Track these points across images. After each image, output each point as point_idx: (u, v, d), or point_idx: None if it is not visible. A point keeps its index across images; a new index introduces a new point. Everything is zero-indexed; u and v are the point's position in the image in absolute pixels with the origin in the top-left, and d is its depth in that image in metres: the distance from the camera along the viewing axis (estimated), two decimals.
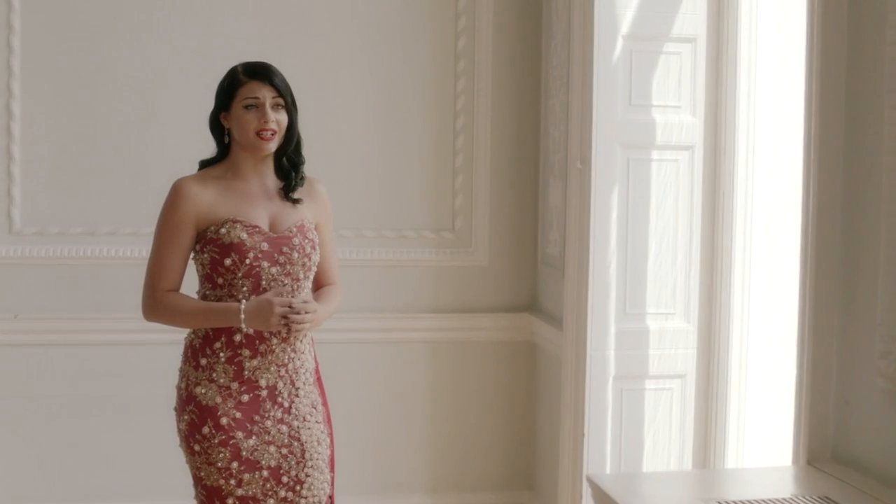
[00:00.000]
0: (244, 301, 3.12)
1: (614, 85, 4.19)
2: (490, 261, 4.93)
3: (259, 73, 3.20)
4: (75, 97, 4.64)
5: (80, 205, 4.66)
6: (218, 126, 3.25)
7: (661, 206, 4.25)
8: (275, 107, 3.18)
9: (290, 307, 3.10)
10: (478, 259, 4.92)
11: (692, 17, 4.22)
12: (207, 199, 3.18)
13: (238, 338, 3.16)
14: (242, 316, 3.10)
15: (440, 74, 4.87)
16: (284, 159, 3.27)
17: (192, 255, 3.23)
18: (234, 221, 3.17)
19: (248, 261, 3.14)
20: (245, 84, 3.18)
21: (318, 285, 3.40)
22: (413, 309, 4.87)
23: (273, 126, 3.18)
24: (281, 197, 3.28)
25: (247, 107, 3.18)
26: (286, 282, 3.19)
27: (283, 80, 3.22)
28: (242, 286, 3.15)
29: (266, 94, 3.18)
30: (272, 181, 3.29)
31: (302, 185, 3.32)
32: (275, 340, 3.18)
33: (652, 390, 4.25)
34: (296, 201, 3.28)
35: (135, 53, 4.66)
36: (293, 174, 3.28)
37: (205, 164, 3.31)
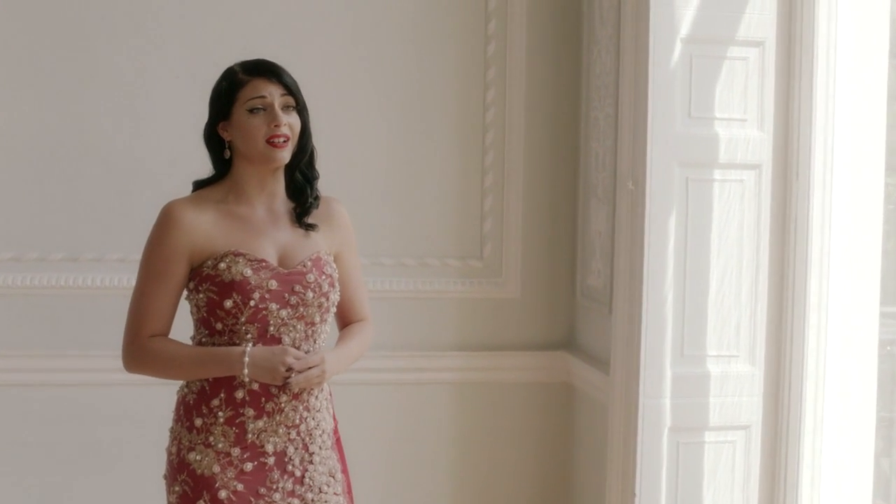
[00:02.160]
0: (250, 345, 2.61)
1: (671, 94, 3.73)
2: (522, 293, 4.52)
3: (263, 69, 2.73)
4: (56, 106, 4.22)
5: (61, 227, 4.23)
6: (215, 140, 2.76)
7: (724, 233, 3.79)
8: (285, 108, 2.71)
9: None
10: (509, 291, 4.51)
11: (760, 18, 3.76)
12: (204, 227, 2.69)
13: (240, 394, 2.66)
14: (246, 360, 2.61)
15: (467, 83, 4.45)
16: (298, 173, 2.79)
17: (184, 294, 2.75)
18: (237, 254, 2.67)
19: (253, 302, 2.65)
20: (247, 83, 2.70)
21: (345, 322, 2.93)
22: (436, 346, 4.46)
23: (286, 130, 2.70)
24: (293, 222, 2.79)
25: (252, 110, 2.70)
26: (299, 327, 2.71)
27: (292, 78, 2.75)
28: (246, 333, 2.66)
29: (274, 93, 2.71)
30: (282, 203, 2.81)
31: (317, 207, 2.83)
32: (284, 397, 2.68)
33: (712, 443, 3.83)
34: (310, 227, 2.79)
35: (124, 58, 4.25)
36: (308, 191, 2.80)
37: (200, 186, 2.81)
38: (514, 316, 4.51)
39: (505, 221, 4.47)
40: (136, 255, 2.82)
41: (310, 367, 2.65)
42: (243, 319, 2.64)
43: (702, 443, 3.80)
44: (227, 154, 2.74)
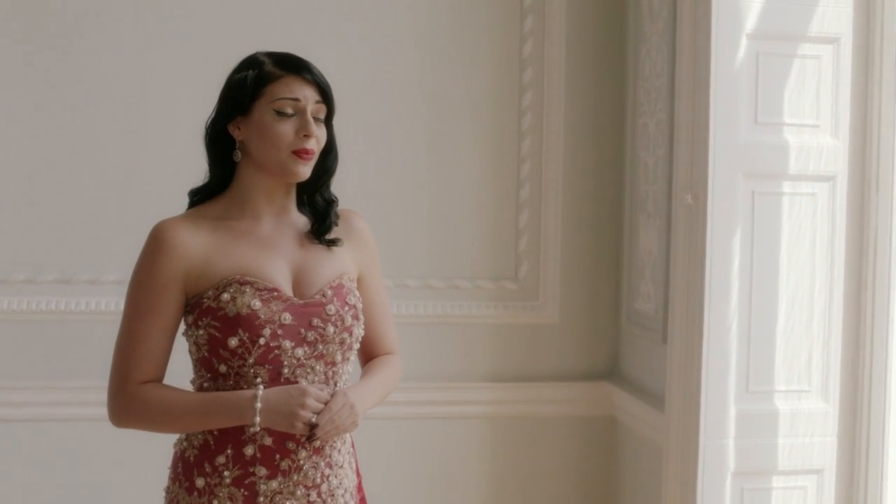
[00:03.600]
0: (261, 388, 2.23)
1: (736, 98, 3.37)
2: (562, 317, 4.20)
3: (299, 65, 2.34)
4: (46, 113, 3.88)
5: (52, 245, 3.91)
6: (222, 140, 2.35)
7: (794, 253, 3.45)
8: (314, 117, 2.34)
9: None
10: (546, 315, 4.19)
11: (835, 11, 3.43)
12: (201, 250, 2.30)
13: (250, 450, 2.26)
14: (258, 406, 2.21)
15: (501, 86, 4.11)
16: (319, 197, 2.43)
17: (181, 329, 2.35)
18: (242, 282, 2.28)
19: (263, 340, 2.26)
20: (279, 79, 2.31)
21: (369, 357, 2.54)
22: (466, 377, 4.14)
23: (314, 144, 2.33)
24: (308, 239, 2.40)
25: (280, 112, 2.30)
26: (318, 368, 2.31)
27: (328, 83, 2.37)
28: (255, 376, 2.26)
29: (309, 97, 2.33)
30: (295, 219, 2.42)
31: (336, 224, 2.45)
32: (303, 453, 2.28)
33: (781, 489, 3.50)
34: (332, 243, 2.40)
35: (121, 60, 3.92)
36: (331, 216, 2.43)
37: (198, 195, 2.41)
38: (553, 343, 4.21)
39: (542, 239, 4.16)
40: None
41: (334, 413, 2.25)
42: (252, 360, 2.25)
43: (769, 489, 3.49)
44: (238, 156, 2.34)
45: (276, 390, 2.23)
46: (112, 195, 3.91)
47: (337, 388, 2.31)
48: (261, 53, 2.36)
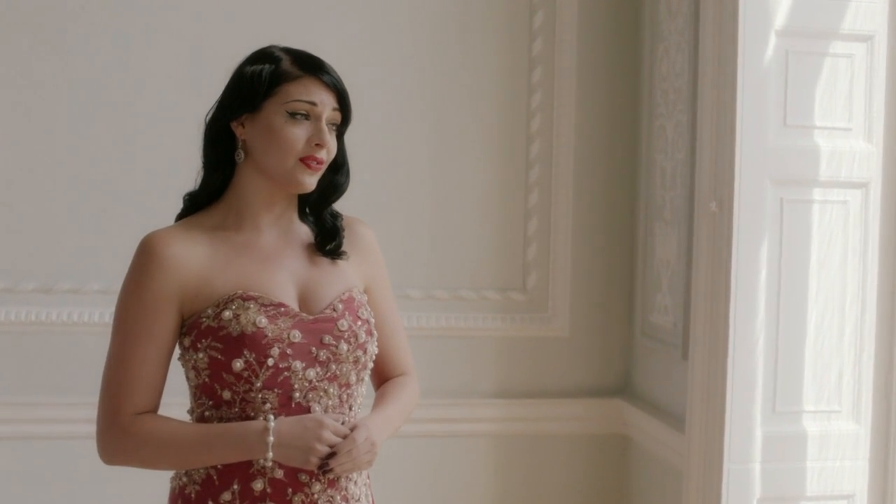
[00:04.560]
0: (272, 419, 2.02)
1: (764, 99, 3.19)
2: (572, 330, 4.03)
3: (319, 67, 2.14)
4: (26, 113, 3.70)
5: (32, 253, 3.72)
6: (224, 138, 2.14)
7: (825, 264, 3.27)
8: (329, 125, 2.14)
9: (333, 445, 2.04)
10: (556, 328, 4.02)
11: (869, 6, 3.25)
12: (198, 265, 2.09)
13: (259, 485, 2.05)
14: (270, 440, 2.00)
15: (509, 86, 3.93)
16: (328, 215, 2.24)
17: (176, 353, 2.14)
18: (245, 298, 2.07)
19: (271, 361, 2.04)
20: (297, 79, 2.11)
21: (382, 379, 2.34)
22: (472, 393, 3.98)
23: (325, 155, 2.14)
24: (312, 250, 2.20)
25: (294, 115, 2.10)
26: (331, 391, 2.11)
27: (346, 88, 2.18)
28: (264, 402, 2.05)
29: (326, 103, 2.13)
30: (297, 230, 2.22)
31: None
32: (317, 486, 2.07)
33: None
34: (338, 255, 2.21)
35: (106, 59, 3.72)
36: (339, 228, 2.23)
37: (193, 201, 2.20)
38: (562, 357, 4.05)
39: (552, 247, 3.98)
40: (120, 286, 2.21)
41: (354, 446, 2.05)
42: (259, 385, 2.04)
43: None
44: (241, 157, 2.13)
45: (289, 422, 2.02)
46: (96, 199, 3.72)
47: (354, 418, 2.12)
48: (276, 48, 2.16)
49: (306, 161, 2.09)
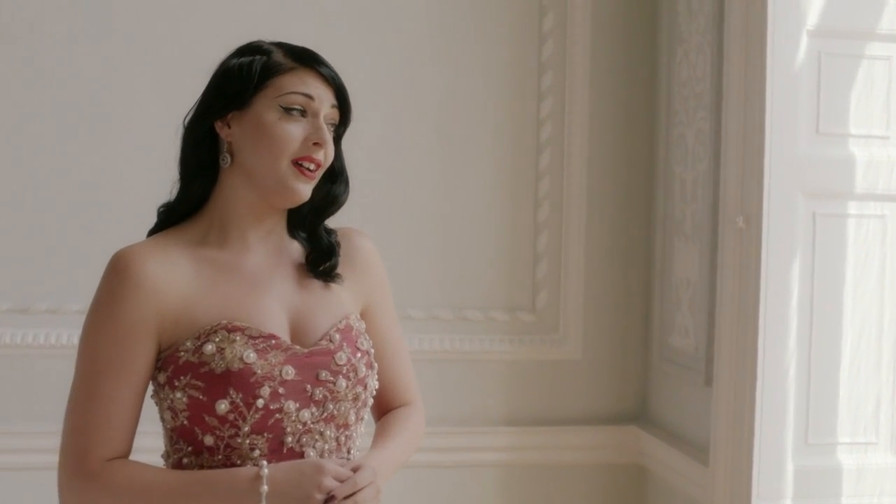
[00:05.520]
0: (265, 465, 1.79)
1: (795, 104, 3.01)
2: (585, 353, 3.84)
3: (315, 59, 1.93)
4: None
5: (6, 271, 3.54)
6: (206, 141, 1.92)
7: (861, 283, 3.10)
8: (326, 125, 1.93)
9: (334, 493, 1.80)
10: (567, 350, 3.83)
11: None
12: (179, 288, 1.85)
13: None
14: (264, 489, 1.77)
15: (517, 92, 3.74)
16: (323, 231, 2.01)
17: (149, 392, 1.90)
18: (231, 329, 1.83)
19: (261, 402, 1.81)
20: (291, 71, 1.90)
21: (384, 409, 2.10)
22: (479, 420, 3.79)
23: (321, 156, 1.91)
24: (301, 270, 1.97)
25: (289, 110, 1.88)
26: (328, 433, 1.88)
27: (344, 84, 1.96)
28: (252, 448, 1.82)
29: (324, 98, 1.92)
30: (288, 247, 1.98)
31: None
32: None
33: None
34: (332, 278, 1.97)
35: (83, 64, 3.53)
36: (335, 254, 2.00)
37: (169, 215, 1.96)
38: (575, 382, 3.86)
39: (563, 265, 3.80)
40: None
41: (357, 490, 1.82)
42: (247, 429, 1.80)
43: None
44: (227, 161, 1.90)
45: (284, 468, 1.79)
46: (76, 213, 3.54)
47: (356, 460, 1.89)
48: (265, 41, 1.95)
49: (301, 163, 1.86)
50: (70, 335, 3.47)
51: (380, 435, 2.02)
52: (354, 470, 1.81)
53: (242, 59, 1.89)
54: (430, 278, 3.72)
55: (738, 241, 3.04)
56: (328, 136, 1.88)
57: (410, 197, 3.69)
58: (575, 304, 3.78)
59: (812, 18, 2.97)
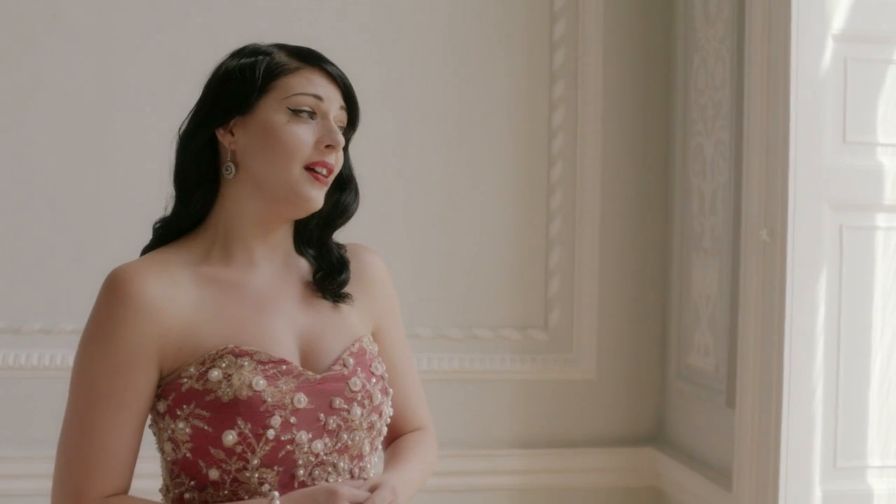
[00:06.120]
0: (277, 496, 1.66)
1: (820, 112, 2.88)
2: (599, 373, 3.70)
3: (320, 58, 1.82)
4: None
5: None
6: (206, 151, 1.79)
7: (891, 298, 2.97)
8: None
9: None
10: (581, 370, 3.69)
11: None
12: (182, 309, 1.72)
13: None
14: None
15: (528, 102, 3.61)
16: (334, 247, 1.90)
17: (148, 420, 1.77)
18: (239, 353, 1.70)
19: (272, 433, 1.68)
20: (297, 71, 1.79)
21: (393, 436, 1.97)
22: (489, 443, 3.65)
23: (334, 160, 1.80)
24: (312, 294, 1.83)
25: (297, 111, 1.77)
26: (341, 465, 1.75)
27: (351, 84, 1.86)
28: (261, 482, 1.69)
29: (332, 99, 1.81)
30: (296, 263, 1.86)
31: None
32: None
33: None
34: (341, 297, 1.85)
35: (79, 74, 3.41)
36: (345, 262, 1.88)
37: (167, 230, 1.83)
38: (589, 402, 3.73)
39: (577, 281, 3.66)
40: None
41: None
42: (256, 462, 1.67)
43: None
44: (230, 171, 1.77)
45: (297, 496, 1.66)
46: (70, 229, 3.41)
47: (374, 479, 1.76)
48: (262, 44, 1.83)
49: (314, 167, 1.74)
50: (64, 356, 3.37)
51: (394, 458, 1.89)
52: (372, 489, 1.69)
53: (243, 61, 1.77)
54: (438, 295, 3.59)
55: (761, 255, 2.91)
56: (342, 139, 1.76)
57: (418, 211, 3.57)
58: (589, 321, 3.65)
59: (837, 22, 2.85)
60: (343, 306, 1.84)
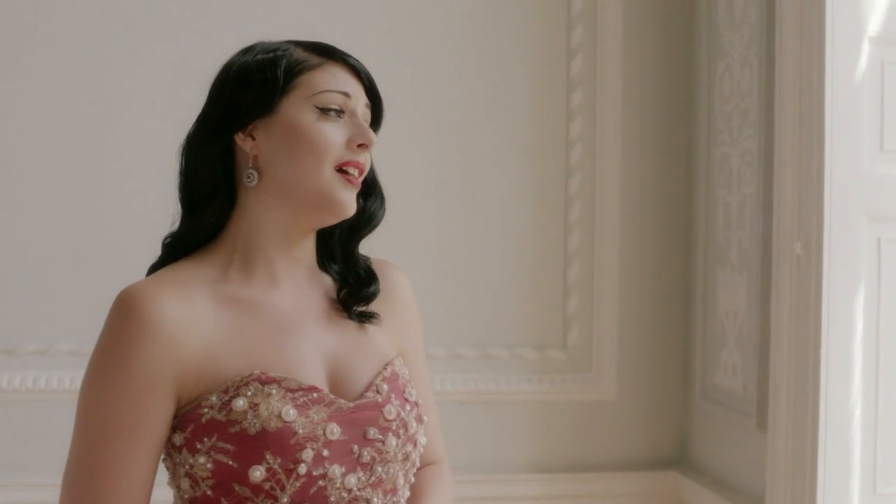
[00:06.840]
0: None
1: (857, 119, 2.73)
2: (619, 393, 3.54)
3: (342, 53, 1.70)
4: None
5: None
6: (223, 158, 1.65)
7: None
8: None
9: None
10: (601, 391, 3.53)
11: None
12: (202, 332, 1.57)
13: None
14: None
15: (544, 112, 3.45)
16: (361, 261, 1.78)
17: (163, 454, 1.61)
18: (266, 381, 1.55)
19: (303, 468, 1.53)
20: (320, 67, 1.66)
21: None
22: (506, 467, 3.48)
23: (366, 160, 1.67)
24: (336, 313, 1.69)
25: (324, 109, 1.63)
26: (375, 500, 1.60)
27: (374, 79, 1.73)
28: None
29: (359, 95, 1.68)
30: (321, 279, 1.72)
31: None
32: None
33: None
34: (367, 317, 1.71)
35: (77, 81, 3.26)
36: (373, 276, 1.75)
37: (176, 248, 1.67)
38: (609, 424, 3.57)
39: (596, 297, 3.50)
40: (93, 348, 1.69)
41: None
42: (286, 500, 1.52)
43: None
44: (253, 179, 1.62)
45: None
46: (67, 245, 3.25)
47: None
48: (277, 42, 1.69)
49: (345, 169, 1.61)
50: (60, 378, 3.22)
51: (416, 499, 1.74)
52: None
53: (259, 57, 1.63)
54: (452, 313, 3.43)
55: (795, 269, 2.76)
56: (374, 136, 1.62)
57: (430, 226, 3.41)
58: (609, 340, 3.49)
59: (874, 25, 2.70)
60: (369, 327, 1.70)
